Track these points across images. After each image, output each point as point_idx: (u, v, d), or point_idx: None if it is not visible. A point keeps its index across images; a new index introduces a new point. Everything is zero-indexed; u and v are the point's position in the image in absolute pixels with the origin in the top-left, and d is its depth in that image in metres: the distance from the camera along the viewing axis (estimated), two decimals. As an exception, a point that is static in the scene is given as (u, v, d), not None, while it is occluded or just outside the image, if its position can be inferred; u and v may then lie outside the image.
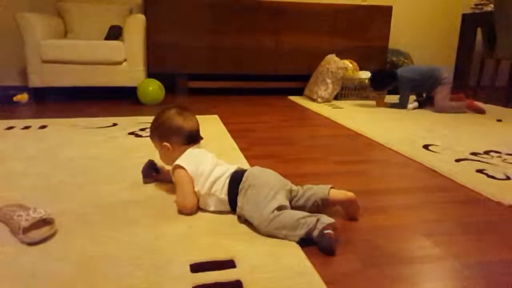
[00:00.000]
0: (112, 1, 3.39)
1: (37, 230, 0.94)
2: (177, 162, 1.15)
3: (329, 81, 3.23)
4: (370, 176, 1.53)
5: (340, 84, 3.28)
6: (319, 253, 0.94)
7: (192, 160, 1.15)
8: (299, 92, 3.59)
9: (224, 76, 3.58)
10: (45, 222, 0.97)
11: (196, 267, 0.86)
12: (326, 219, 0.95)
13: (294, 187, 1.14)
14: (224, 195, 1.10)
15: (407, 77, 2.92)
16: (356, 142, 2.03)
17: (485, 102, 3.25)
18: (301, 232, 0.96)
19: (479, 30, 3.85)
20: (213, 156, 1.22)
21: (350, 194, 1.10)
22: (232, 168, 1.16)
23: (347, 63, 3.31)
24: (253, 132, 2.18)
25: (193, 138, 1.22)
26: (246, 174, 1.11)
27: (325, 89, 3.23)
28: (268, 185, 1.06)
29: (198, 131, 1.24)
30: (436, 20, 4.04)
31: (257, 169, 1.14)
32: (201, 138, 1.26)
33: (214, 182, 1.12)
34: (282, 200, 1.04)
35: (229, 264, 0.87)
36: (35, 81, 2.89)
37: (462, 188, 1.41)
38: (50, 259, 0.88)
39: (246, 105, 3.07)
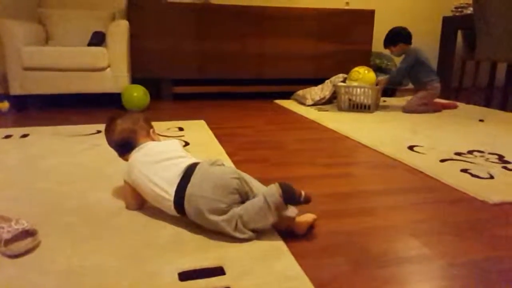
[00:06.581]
0: (95, 6, 3.35)
1: (20, 242, 0.92)
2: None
3: (325, 87, 3.31)
4: (356, 178, 1.54)
5: (332, 90, 3.27)
6: (309, 257, 0.94)
7: (127, 172, 1.14)
8: (285, 96, 3.60)
9: (210, 81, 3.56)
10: (28, 233, 0.94)
11: (185, 276, 0.84)
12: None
13: (243, 182, 1.01)
14: (175, 213, 1.05)
15: (417, 54, 2.93)
16: (343, 145, 2.04)
17: (467, 103, 3.31)
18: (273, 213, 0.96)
19: (459, 33, 3.93)
20: (160, 156, 1.11)
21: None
22: (176, 179, 1.04)
23: (359, 71, 3.07)
24: (240, 137, 2.17)
25: (118, 150, 1.24)
26: (188, 191, 1.00)
27: (320, 92, 3.29)
28: (210, 204, 0.98)
29: (120, 140, 1.20)
30: (418, 23, 4.10)
31: (196, 186, 1.00)
32: (130, 149, 1.17)
33: (160, 198, 1.06)
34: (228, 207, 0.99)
35: (218, 271, 0.86)
36: (16, 89, 2.82)
37: (448, 188, 1.43)
38: (34, 272, 0.85)
39: (233, 110, 3.06)
